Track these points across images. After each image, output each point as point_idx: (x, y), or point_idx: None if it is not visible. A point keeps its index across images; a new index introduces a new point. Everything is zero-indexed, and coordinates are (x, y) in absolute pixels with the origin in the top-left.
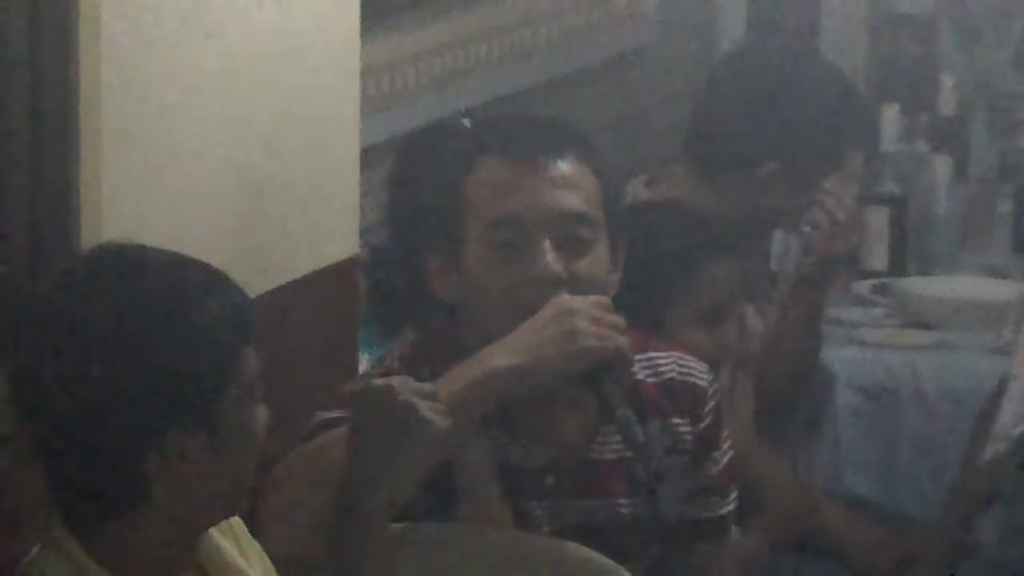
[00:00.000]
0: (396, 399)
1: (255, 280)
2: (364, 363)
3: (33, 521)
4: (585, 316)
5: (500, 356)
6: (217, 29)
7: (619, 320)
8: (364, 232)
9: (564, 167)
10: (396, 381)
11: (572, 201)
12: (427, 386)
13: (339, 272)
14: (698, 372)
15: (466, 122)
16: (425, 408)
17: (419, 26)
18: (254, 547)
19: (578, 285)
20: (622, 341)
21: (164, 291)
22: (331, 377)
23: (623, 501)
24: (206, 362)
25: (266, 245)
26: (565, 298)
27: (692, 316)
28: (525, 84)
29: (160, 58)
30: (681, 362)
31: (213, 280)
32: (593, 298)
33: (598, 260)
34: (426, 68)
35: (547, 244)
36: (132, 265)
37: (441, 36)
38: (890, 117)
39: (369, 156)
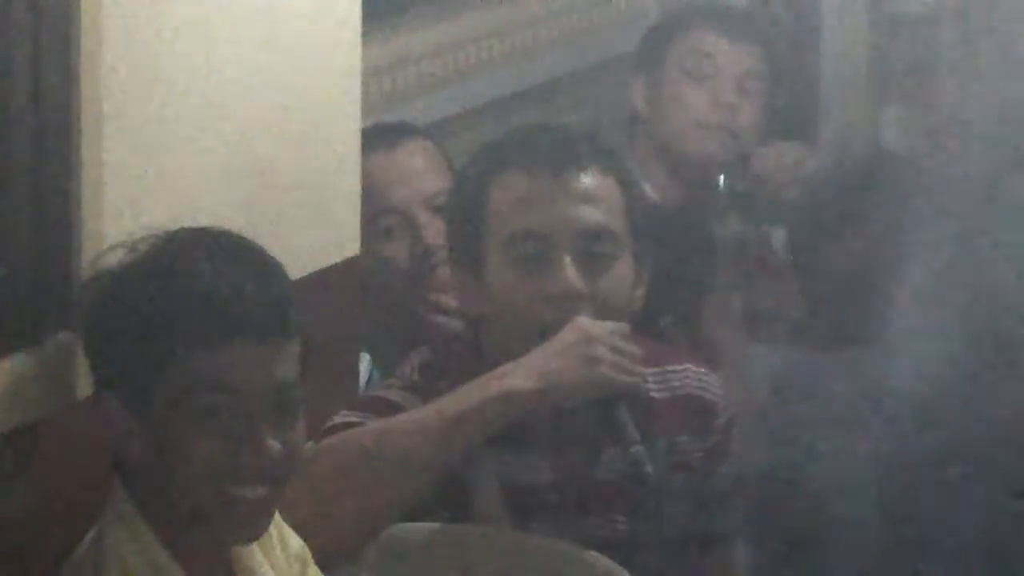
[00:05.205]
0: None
1: None
2: (364, 363)
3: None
4: (605, 343)
5: (517, 377)
6: (217, 30)
7: (636, 350)
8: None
9: (587, 180)
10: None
11: (595, 216)
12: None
13: (339, 273)
14: (711, 386)
15: None
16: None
17: (419, 26)
18: (290, 549)
19: (600, 301)
20: (638, 378)
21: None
22: (332, 378)
23: (624, 519)
24: (140, 349)
25: (266, 246)
26: (585, 322)
27: (724, 316)
28: (525, 84)
29: (160, 59)
30: (694, 376)
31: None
32: (612, 325)
33: (621, 275)
34: (426, 68)
35: (568, 260)
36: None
37: (441, 36)
38: (890, 117)
39: None
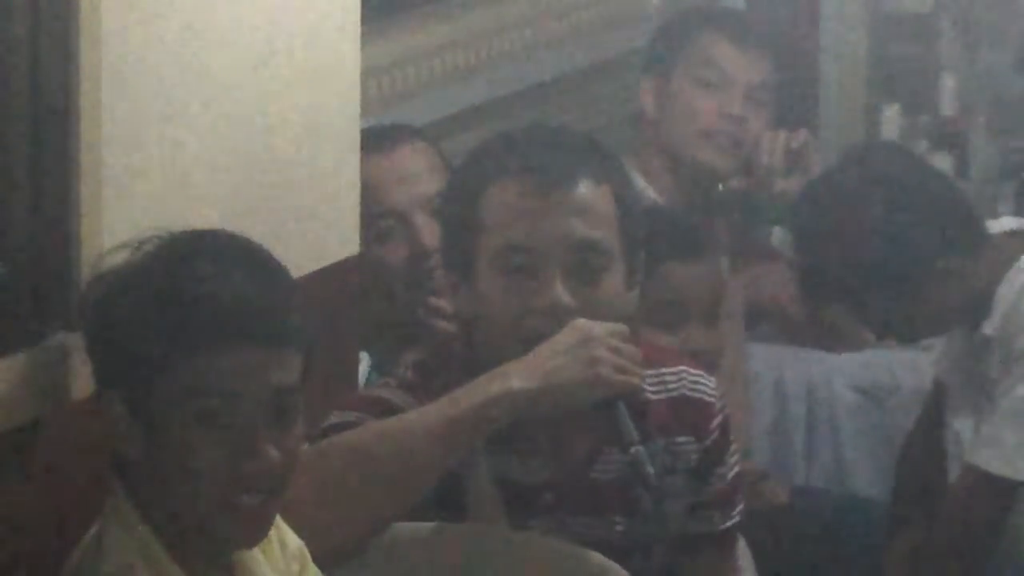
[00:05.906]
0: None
1: None
2: (364, 363)
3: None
4: (605, 345)
5: (518, 377)
6: (217, 30)
7: (636, 352)
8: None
9: (581, 192)
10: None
11: (586, 229)
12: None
13: (339, 272)
14: (707, 387)
15: None
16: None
17: (419, 26)
18: (289, 549)
19: (590, 312)
20: (638, 379)
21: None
22: (331, 377)
23: (622, 519)
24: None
25: (266, 245)
26: (585, 323)
27: (647, 317)
28: (525, 84)
29: (160, 58)
30: (690, 377)
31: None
32: (612, 326)
33: (611, 286)
34: (426, 68)
35: (557, 274)
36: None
37: (441, 36)
38: (890, 117)
39: None
